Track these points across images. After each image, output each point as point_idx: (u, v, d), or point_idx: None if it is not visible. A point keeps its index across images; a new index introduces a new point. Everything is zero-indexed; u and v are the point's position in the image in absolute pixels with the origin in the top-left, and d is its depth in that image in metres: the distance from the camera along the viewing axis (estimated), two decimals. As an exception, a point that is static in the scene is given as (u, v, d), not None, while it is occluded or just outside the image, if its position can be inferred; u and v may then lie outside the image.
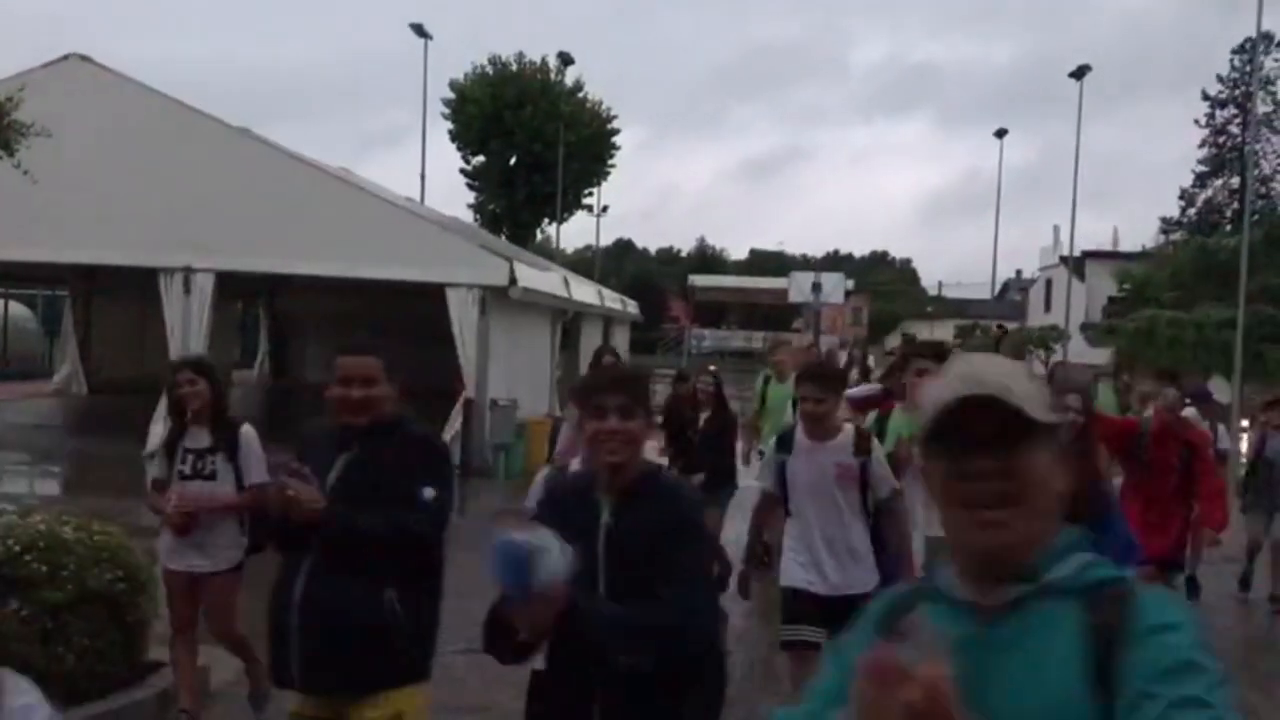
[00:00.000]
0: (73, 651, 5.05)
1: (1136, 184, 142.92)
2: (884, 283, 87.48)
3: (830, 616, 4.66)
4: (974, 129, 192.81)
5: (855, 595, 4.57)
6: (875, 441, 5.15)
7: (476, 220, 50.41)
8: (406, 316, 18.67)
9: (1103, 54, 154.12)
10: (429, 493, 3.43)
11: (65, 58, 15.45)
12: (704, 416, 8.65)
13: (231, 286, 19.16)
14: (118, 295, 21.31)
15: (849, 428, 5.11)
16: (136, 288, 17.40)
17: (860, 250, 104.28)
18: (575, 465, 4.16)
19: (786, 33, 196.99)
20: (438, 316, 15.10)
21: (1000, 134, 53.60)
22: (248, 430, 5.37)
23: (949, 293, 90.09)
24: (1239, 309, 29.43)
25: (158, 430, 14.97)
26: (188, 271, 14.94)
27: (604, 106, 52.60)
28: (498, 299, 15.02)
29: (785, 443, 5.10)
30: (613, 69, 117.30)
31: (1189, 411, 8.74)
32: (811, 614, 4.89)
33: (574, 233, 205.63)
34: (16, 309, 30.07)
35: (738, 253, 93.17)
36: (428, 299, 15.36)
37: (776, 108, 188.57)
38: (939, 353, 5.66)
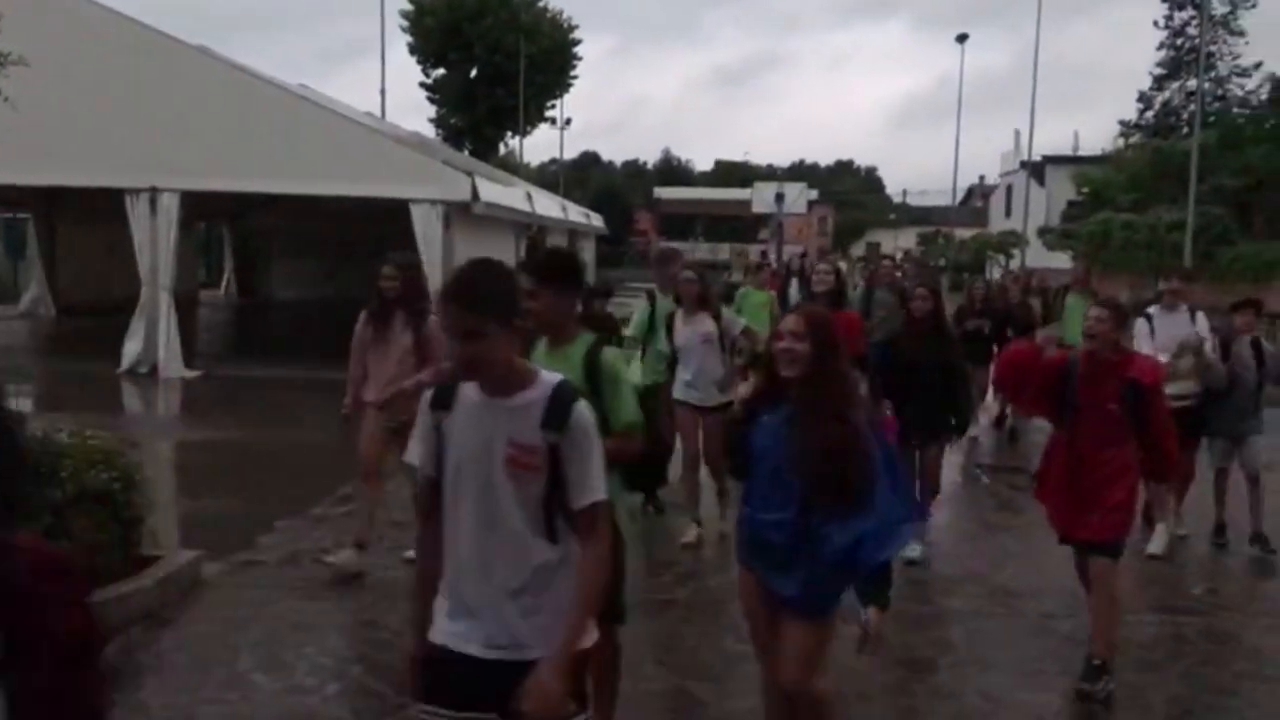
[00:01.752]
0: (74, 546, 5.49)
1: (1102, 87, 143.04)
2: (848, 192, 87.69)
3: None
4: (947, 34, 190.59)
5: None
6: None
7: (438, 135, 50.11)
8: (371, 233, 18.95)
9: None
10: None
11: (19, -21, 15.35)
12: None
13: (196, 206, 19.28)
14: (82, 217, 21.36)
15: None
16: (102, 209, 17.51)
17: (825, 159, 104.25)
18: None
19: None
20: (402, 233, 15.37)
21: (961, 39, 53.36)
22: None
23: (913, 200, 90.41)
24: (1189, 210, 30.09)
25: (132, 348, 15.32)
26: (153, 192, 15.09)
27: (565, 17, 52.12)
28: (461, 214, 15.29)
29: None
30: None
31: (1200, 325, 7.75)
32: None
33: (539, 146, 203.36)
34: (-22, 233, 29.93)
35: (704, 164, 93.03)
36: (391, 215, 15.61)
37: (750, 12, 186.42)
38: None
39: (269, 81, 17.10)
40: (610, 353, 3.95)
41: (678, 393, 7.27)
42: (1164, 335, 7.60)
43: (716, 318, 7.30)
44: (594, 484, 2.75)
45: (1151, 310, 8.05)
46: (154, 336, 15.20)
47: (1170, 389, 7.10)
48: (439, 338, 5.81)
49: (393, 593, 6.17)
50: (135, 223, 15.22)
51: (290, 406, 13.37)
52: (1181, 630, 6.10)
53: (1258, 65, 53.07)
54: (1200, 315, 7.91)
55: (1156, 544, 7.45)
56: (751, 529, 3.74)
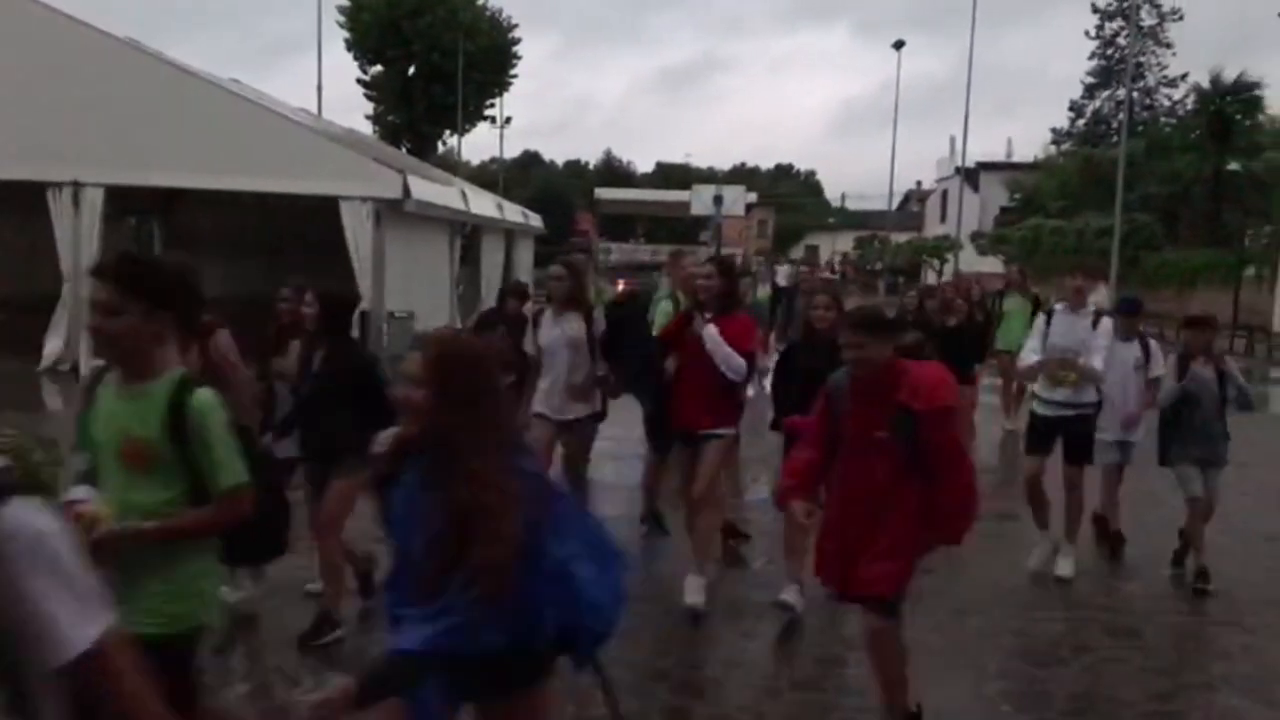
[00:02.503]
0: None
1: (1036, 95, 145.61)
2: (788, 195, 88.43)
3: None
4: (888, 40, 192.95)
5: None
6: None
7: (376, 132, 49.71)
8: (302, 230, 18.75)
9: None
10: None
11: (-58, -30, 15.03)
12: None
13: (124, 201, 18.93)
14: (3, 211, 20.89)
15: None
16: (23, 203, 17.16)
17: (766, 163, 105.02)
18: None
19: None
20: (333, 230, 15.26)
21: (898, 45, 54.04)
22: None
23: (852, 205, 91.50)
24: (1116, 217, 30.76)
25: (53, 345, 15.02)
26: (76, 186, 14.83)
27: (505, 16, 51.99)
28: (392, 211, 15.21)
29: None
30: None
31: (1103, 330, 6.93)
32: None
33: (481, 145, 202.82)
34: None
35: (645, 166, 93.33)
36: (322, 213, 15.48)
37: (695, 15, 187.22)
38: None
39: (198, 75, 16.86)
40: (204, 396, 3.05)
41: (535, 403, 6.57)
42: (1060, 337, 6.96)
43: (589, 319, 6.58)
44: None
45: (1057, 307, 7.21)
46: (76, 333, 14.93)
47: (1055, 395, 7.03)
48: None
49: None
50: (57, 217, 14.95)
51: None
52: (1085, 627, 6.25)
53: (1184, 76, 54.43)
54: (1105, 321, 7.06)
55: (1064, 567, 7.00)
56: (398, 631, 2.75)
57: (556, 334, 6.56)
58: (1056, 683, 5.41)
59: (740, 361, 5.97)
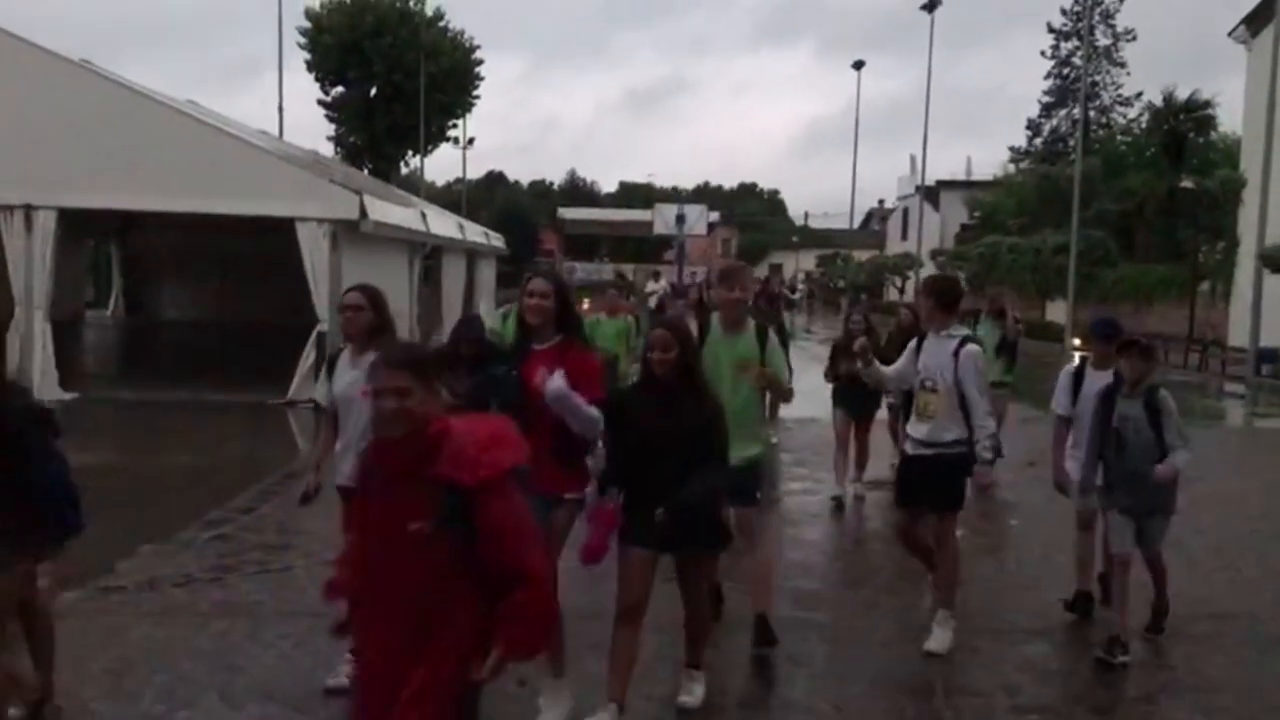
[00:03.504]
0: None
1: (996, 114, 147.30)
2: (751, 214, 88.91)
3: None
4: (852, 60, 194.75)
5: None
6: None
7: (338, 153, 49.56)
8: (260, 252, 18.63)
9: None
10: None
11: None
12: None
13: (79, 224, 18.80)
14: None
15: None
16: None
17: (730, 182, 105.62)
18: None
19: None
20: (290, 251, 15.18)
21: (858, 65, 54.75)
22: None
23: (815, 223, 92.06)
24: (1072, 234, 31.17)
25: (6, 370, 14.82)
26: (28, 209, 14.68)
27: (467, 37, 52.02)
28: (349, 233, 15.16)
29: None
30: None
31: (965, 364, 5.71)
32: None
33: (445, 166, 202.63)
34: None
35: (609, 185, 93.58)
36: (279, 234, 15.40)
37: (661, 36, 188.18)
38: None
39: (152, 97, 16.76)
40: None
41: (339, 476, 5.04)
42: (928, 360, 5.95)
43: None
44: None
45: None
46: (29, 358, 14.75)
47: (918, 430, 5.96)
48: None
49: (254, 618, 6.08)
50: (9, 240, 14.79)
51: (168, 430, 13.10)
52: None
53: (1138, 95, 55.38)
54: (969, 348, 5.84)
55: (937, 640, 5.95)
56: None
57: (350, 378, 5.04)
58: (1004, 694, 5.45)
59: (592, 414, 4.61)
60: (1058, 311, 35.39)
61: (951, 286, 6.31)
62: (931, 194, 56.37)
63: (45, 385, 14.67)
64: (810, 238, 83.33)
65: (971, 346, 5.89)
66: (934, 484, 5.92)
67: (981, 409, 5.80)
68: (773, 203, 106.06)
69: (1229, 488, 10.99)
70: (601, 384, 4.81)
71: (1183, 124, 42.21)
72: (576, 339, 4.89)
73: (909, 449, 6.14)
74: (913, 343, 6.20)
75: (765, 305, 12.77)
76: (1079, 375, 6.67)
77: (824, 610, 6.75)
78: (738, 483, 5.16)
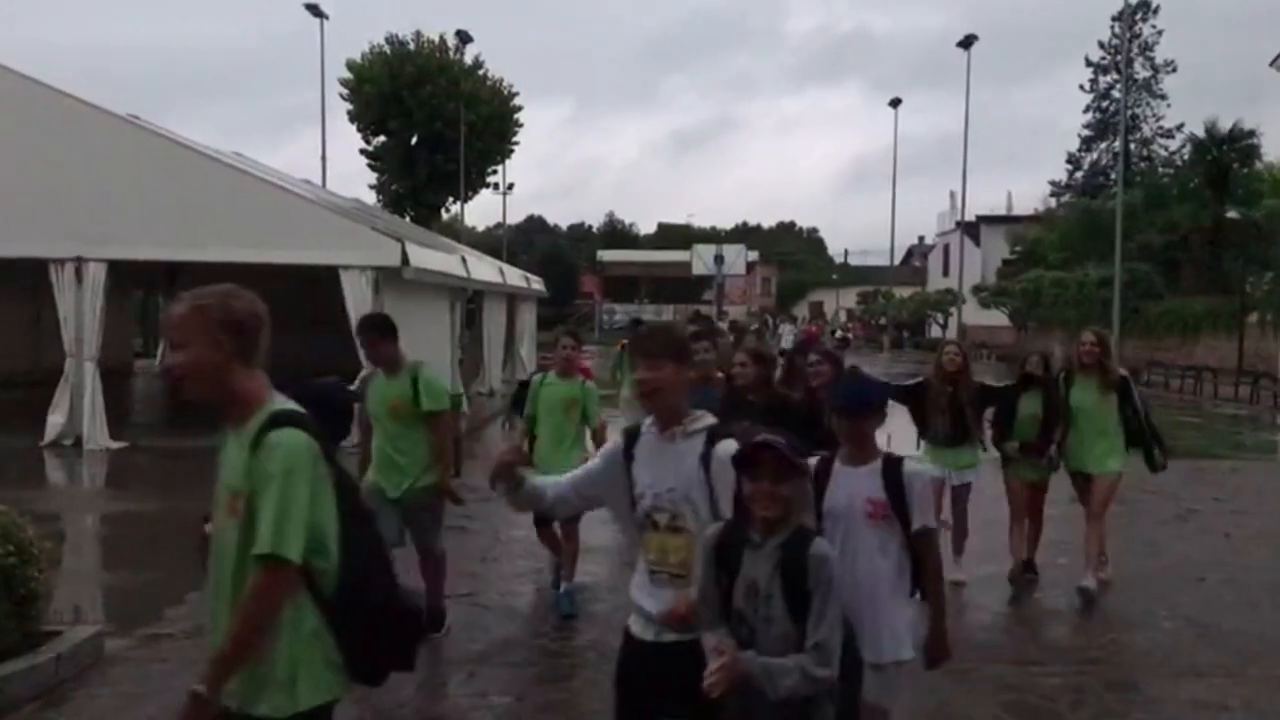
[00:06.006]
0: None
1: (1036, 148, 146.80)
2: (790, 253, 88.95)
3: None
4: (894, 97, 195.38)
5: None
6: None
7: (379, 201, 50.18)
8: (304, 301, 18.87)
9: (1013, 23, 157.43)
10: None
11: (-56, 51, 15.34)
12: None
13: (128, 276, 19.14)
14: (8, 288, 21.10)
15: None
16: (28, 280, 17.34)
17: (768, 221, 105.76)
18: None
19: (718, 3, 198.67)
20: (334, 298, 15.35)
21: (895, 103, 54.74)
22: None
23: (854, 260, 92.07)
24: (1116, 267, 30.85)
25: (56, 420, 15.08)
26: (79, 262, 14.96)
27: (505, 84, 52.63)
28: (391, 279, 15.31)
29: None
30: (538, 43, 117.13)
31: None
32: None
33: (486, 211, 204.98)
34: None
35: (647, 227, 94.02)
36: (324, 282, 15.58)
37: (707, 78, 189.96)
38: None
39: (198, 150, 17.09)
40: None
41: None
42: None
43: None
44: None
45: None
46: (79, 408, 14.99)
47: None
48: None
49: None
50: (60, 293, 15.05)
51: (215, 477, 13.19)
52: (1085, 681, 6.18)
53: (1180, 126, 54.94)
54: (722, 447, 4.28)
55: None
56: None
57: None
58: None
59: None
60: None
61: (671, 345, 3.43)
62: (972, 229, 56.13)
63: (95, 434, 14.90)
64: (850, 275, 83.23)
65: (725, 444, 3.27)
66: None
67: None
68: (811, 241, 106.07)
69: (1284, 523, 10.79)
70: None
71: (1226, 155, 41.76)
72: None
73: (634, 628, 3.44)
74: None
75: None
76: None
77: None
78: None
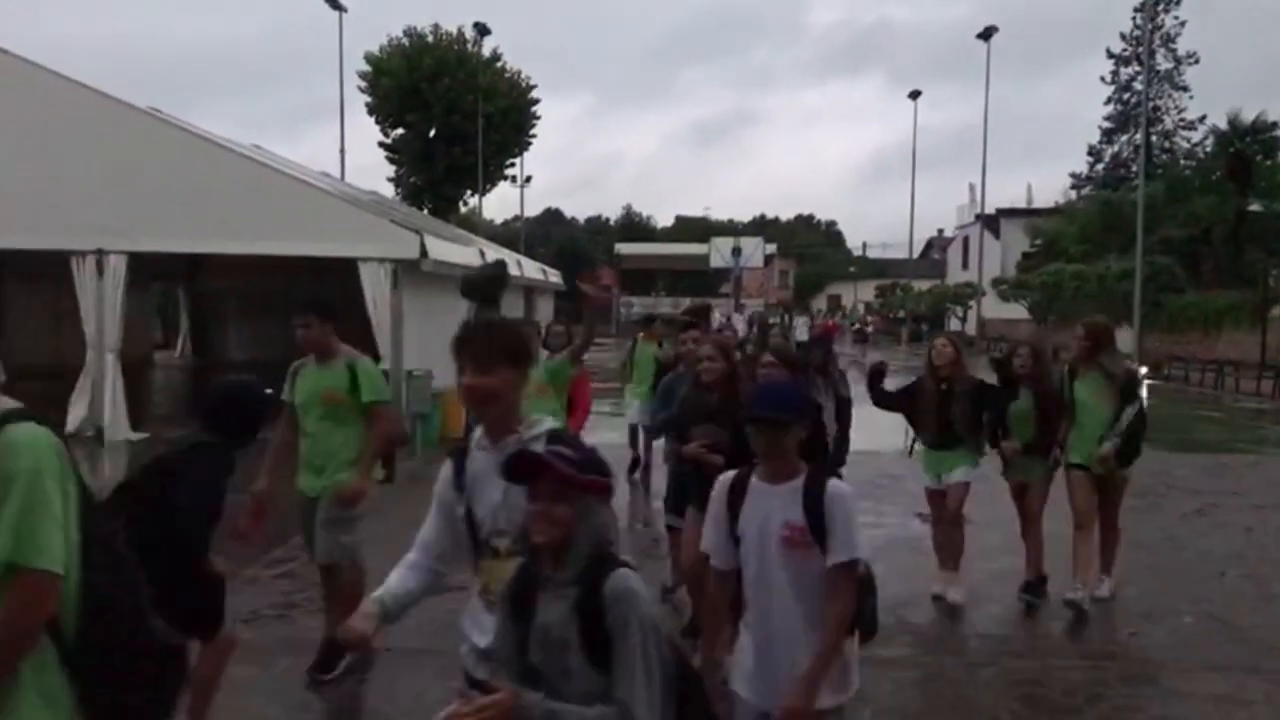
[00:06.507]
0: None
1: (1056, 141, 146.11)
2: (808, 245, 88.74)
3: None
4: (910, 91, 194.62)
5: None
6: None
7: (398, 193, 50.30)
8: (322, 293, 18.87)
9: (1034, 14, 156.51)
10: None
11: (-32, 45, 15.43)
12: None
13: (148, 268, 19.21)
14: (29, 280, 21.25)
15: None
16: (49, 272, 17.44)
17: (786, 214, 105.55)
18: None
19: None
20: (353, 291, 15.39)
21: (914, 95, 54.53)
22: None
23: (873, 253, 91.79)
24: (1137, 260, 30.65)
25: (78, 411, 15.18)
26: (100, 254, 15.05)
27: (524, 77, 52.66)
28: (410, 272, 15.35)
29: None
30: (557, 36, 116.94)
31: None
32: None
33: (504, 203, 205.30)
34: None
35: (665, 220, 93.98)
36: (342, 275, 15.63)
37: (728, 70, 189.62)
38: None
39: (218, 143, 17.16)
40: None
41: None
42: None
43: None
44: None
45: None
46: (100, 399, 15.09)
47: None
48: None
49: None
50: (81, 285, 15.15)
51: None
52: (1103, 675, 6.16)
53: (1202, 118, 54.53)
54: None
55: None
56: None
57: None
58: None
59: None
60: (1124, 340, 34.76)
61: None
62: (992, 222, 55.90)
63: (116, 425, 15.00)
64: (869, 268, 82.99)
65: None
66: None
67: None
68: (830, 233, 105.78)
69: (1306, 518, 10.70)
70: None
71: (1249, 147, 41.41)
72: None
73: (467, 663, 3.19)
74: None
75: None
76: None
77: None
78: None
